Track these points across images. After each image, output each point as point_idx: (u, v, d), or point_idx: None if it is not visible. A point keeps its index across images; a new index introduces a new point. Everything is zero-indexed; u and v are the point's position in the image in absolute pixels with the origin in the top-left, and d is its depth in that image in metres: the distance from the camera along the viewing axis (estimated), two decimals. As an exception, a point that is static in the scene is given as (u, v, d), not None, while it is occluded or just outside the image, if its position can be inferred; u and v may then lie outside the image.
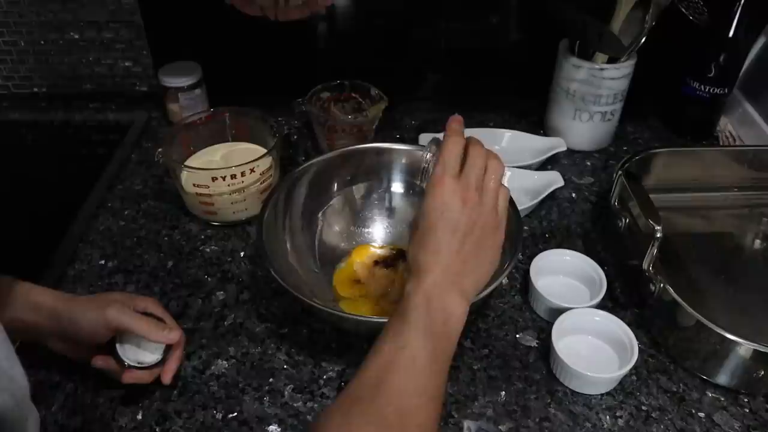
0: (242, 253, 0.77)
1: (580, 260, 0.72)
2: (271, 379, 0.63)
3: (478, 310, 0.69)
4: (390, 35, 1.01)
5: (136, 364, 0.58)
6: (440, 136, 0.54)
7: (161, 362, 0.59)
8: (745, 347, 0.58)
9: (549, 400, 0.61)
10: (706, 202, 0.84)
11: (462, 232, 0.50)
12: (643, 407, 0.61)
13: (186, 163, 0.81)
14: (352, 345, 0.66)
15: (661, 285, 0.63)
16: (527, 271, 0.71)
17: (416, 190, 0.77)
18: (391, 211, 0.78)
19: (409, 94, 1.04)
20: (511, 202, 0.68)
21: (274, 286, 0.72)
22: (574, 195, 0.87)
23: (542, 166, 0.89)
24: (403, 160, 0.77)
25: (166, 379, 0.59)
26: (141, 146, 0.96)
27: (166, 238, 0.80)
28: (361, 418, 0.43)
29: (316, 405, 0.61)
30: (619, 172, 0.75)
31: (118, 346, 0.58)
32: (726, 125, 0.97)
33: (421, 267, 0.49)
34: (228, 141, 0.87)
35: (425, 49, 1.02)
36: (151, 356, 0.59)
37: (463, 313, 0.49)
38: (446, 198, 0.50)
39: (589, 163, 0.93)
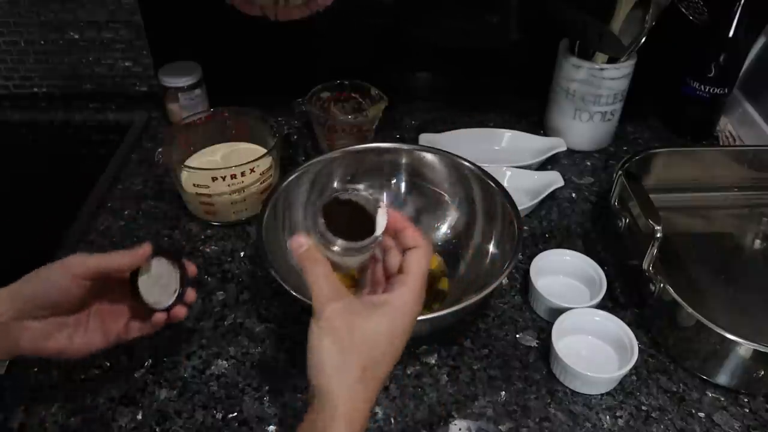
0: (242, 253, 0.77)
1: (580, 260, 0.72)
2: (271, 379, 0.63)
3: (478, 310, 0.69)
4: (390, 35, 1.01)
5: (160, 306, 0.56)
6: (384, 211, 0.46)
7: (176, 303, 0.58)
8: (745, 347, 0.58)
9: (549, 400, 0.61)
10: (706, 202, 0.84)
11: (394, 361, 0.45)
12: (643, 407, 0.61)
13: (186, 163, 0.81)
14: (352, 345, 0.66)
15: (661, 285, 0.63)
16: (527, 271, 0.71)
17: (416, 191, 0.77)
18: (391, 211, 0.78)
19: (409, 94, 1.04)
20: (511, 202, 0.68)
21: (274, 286, 0.72)
22: (574, 195, 0.87)
23: (542, 166, 0.89)
24: (403, 160, 0.77)
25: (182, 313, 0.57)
26: (141, 146, 0.96)
27: (166, 238, 0.80)
28: None
29: (316, 405, 0.61)
30: (619, 172, 0.75)
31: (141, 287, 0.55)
32: (726, 125, 0.97)
33: (350, 406, 0.42)
34: (228, 141, 0.87)
35: (425, 49, 1.02)
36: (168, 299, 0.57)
37: None
38: (409, 326, 0.44)
39: (589, 163, 0.93)
